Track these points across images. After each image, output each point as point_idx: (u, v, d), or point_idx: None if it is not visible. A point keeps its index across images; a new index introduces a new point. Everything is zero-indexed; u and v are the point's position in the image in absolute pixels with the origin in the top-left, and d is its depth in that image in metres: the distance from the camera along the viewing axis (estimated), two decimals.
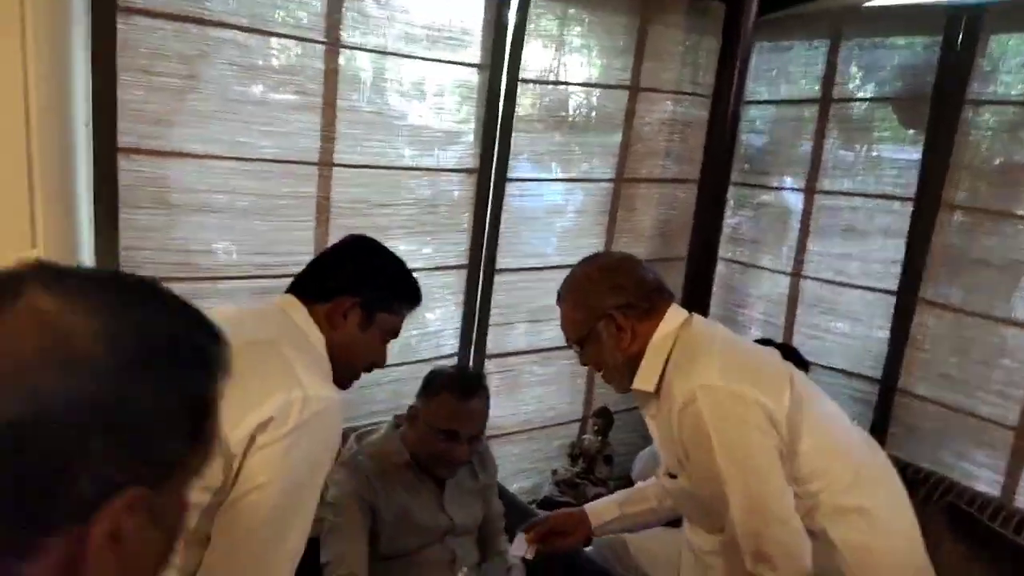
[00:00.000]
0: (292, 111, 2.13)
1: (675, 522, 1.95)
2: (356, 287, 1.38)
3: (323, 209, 2.26)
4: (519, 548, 1.80)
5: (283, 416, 1.16)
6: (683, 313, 1.57)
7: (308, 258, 2.25)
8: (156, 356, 0.57)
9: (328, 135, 2.20)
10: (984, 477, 2.46)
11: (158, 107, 1.94)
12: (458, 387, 1.82)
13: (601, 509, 1.87)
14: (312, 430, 1.19)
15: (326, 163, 2.23)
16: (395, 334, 1.47)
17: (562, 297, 1.60)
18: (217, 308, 1.66)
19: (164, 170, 1.99)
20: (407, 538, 1.80)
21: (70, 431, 0.51)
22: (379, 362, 1.48)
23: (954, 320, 2.48)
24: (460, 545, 1.92)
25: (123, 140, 1.91)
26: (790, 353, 2.24)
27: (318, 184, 2.23)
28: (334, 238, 2.30)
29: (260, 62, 2.07)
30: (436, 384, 1.85)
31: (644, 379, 1.51)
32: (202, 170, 2.04)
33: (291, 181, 2.19)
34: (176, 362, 0.59)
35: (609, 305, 1.51)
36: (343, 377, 1.42)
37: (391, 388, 2.56)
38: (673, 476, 1.56)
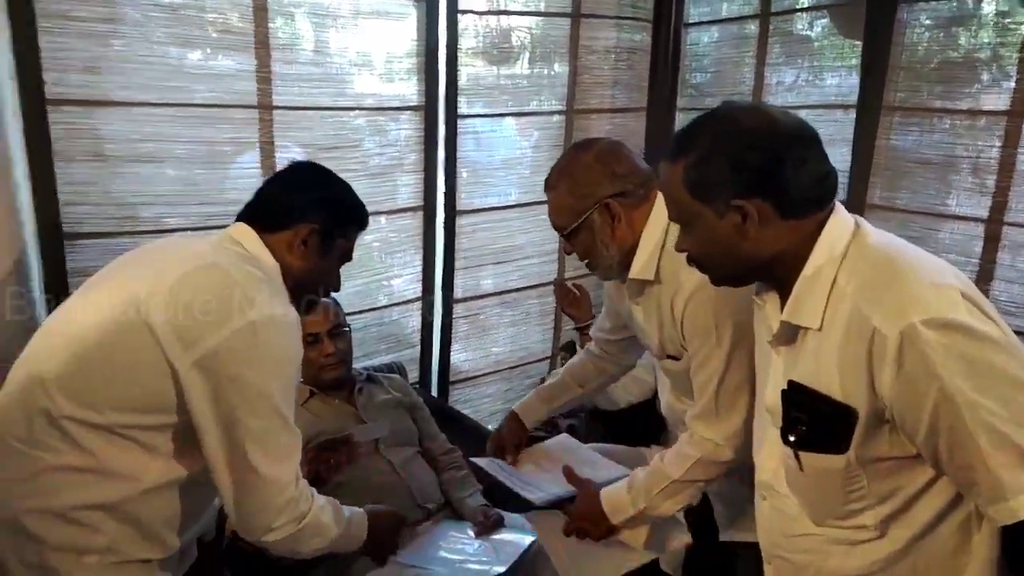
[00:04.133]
0: (223, 52, 2.10)
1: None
2: (314, 214, 1.37)
3: (268, 154, 2.23)
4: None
5: (244, 341, 1.19)
6: None
7: None
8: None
9: (264, 76, 2.17)
10: None
11: (83, 54, 1.90)
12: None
13: (529, 410, 1.96)
14: (276, 351, 1.23)
15: (265, 106, 2.19)
16: (350, 257, 1.48)
17: (553, 184, 1.54)
18: (172, 236, 1.66)
19: (96, 120, 1.96)
20: (338, 456, 1.85)
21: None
22: (336, 286, 1.50)
23: (901, 220, 2.51)
24: (396, 456, 2.00)
25: (51, 91, 1.88)
26: None
27: (259, 128, 2.20)
28: None
29: (183, 0, 2.02)
30: None
31: (644, 269, 1.51)
32: (135, 118, 2.01)
33: (230, 127, 2.15)
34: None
35: (606, 193, 1.48)
36: (303, 302, 1.44)
37: (357, 336, 2.55)
38: (674, 358, 1.59)
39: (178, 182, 2.11)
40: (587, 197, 1.49)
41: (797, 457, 1.10)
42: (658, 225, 1.49)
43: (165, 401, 1.20)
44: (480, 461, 1.84)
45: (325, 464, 1.80)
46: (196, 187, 2.14)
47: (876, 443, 1.03)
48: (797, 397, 1.07)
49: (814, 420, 1.05)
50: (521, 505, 1.89)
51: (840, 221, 1.07)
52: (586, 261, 1.59)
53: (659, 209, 1.50)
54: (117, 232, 2.03)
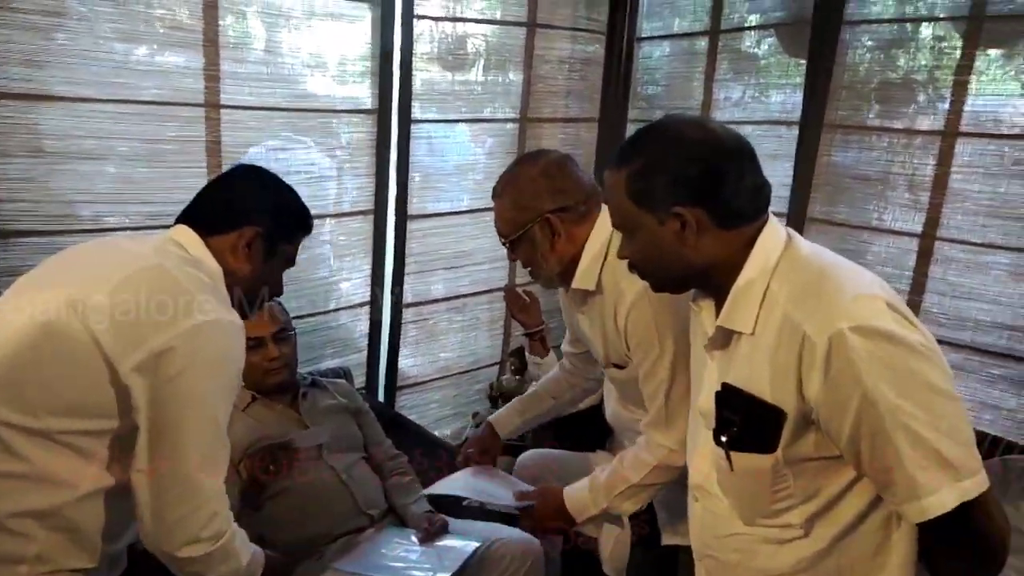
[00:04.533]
0: (170, 48, 2.06)
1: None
2: (258, 217, 1.35)
3: (214, 153, 2.19)
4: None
5: (186, 344, 1.17)
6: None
7: None
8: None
9: (212, 74, 2.13)
10: None
11: (25, 47, 1.84)
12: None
13: (504, 421, 1.99)
14: (217, 355, 1.22)
15: (212, 104, 2.16)
16: (292, 262, 1.47)
17: (499, 193, 1.59)
18: (107, 238, 1.62)
19: (36, 115, 1.90)
20: (277, 462, 1.83)
21: None
22: (279, 290, 1.49)
23: (840, 234, 2.60)
24: (340, 462, 1.98)
25: None
26: None
27: (206, 127, 2.17)
28: None
29: None
30: None
31: (584, 279, 1.55)
32: (77, 114, 1.96)
33: (176, 124, 2.11)
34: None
35: (547, 208, 1.52)
36: (246, 306, 1.42)
37: (303, 340, 2.52)
38: (618, 366, 1.62)
39: (120, 180, 2.06)
40: (528, 210, 1.53)
41: (728, 457, 1.13)
42: (600, 237, 1.53)
43: (104, 405, 1.17)
44: (438, 488, 1.84)
45: (264, 469, 1.77)
46: (138, 186, 2.09)
47: (802, 444, 1.06)
48: (730, 398, 1.11)
49: (745, 421, 1.09)
50: (465, 511, 1.89)
51: (773, 232, 1.12)
52: (528, 269, 1.63)
53: (602, 222, 1.54)
54: (55, 231, 1.96)
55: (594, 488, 1.61)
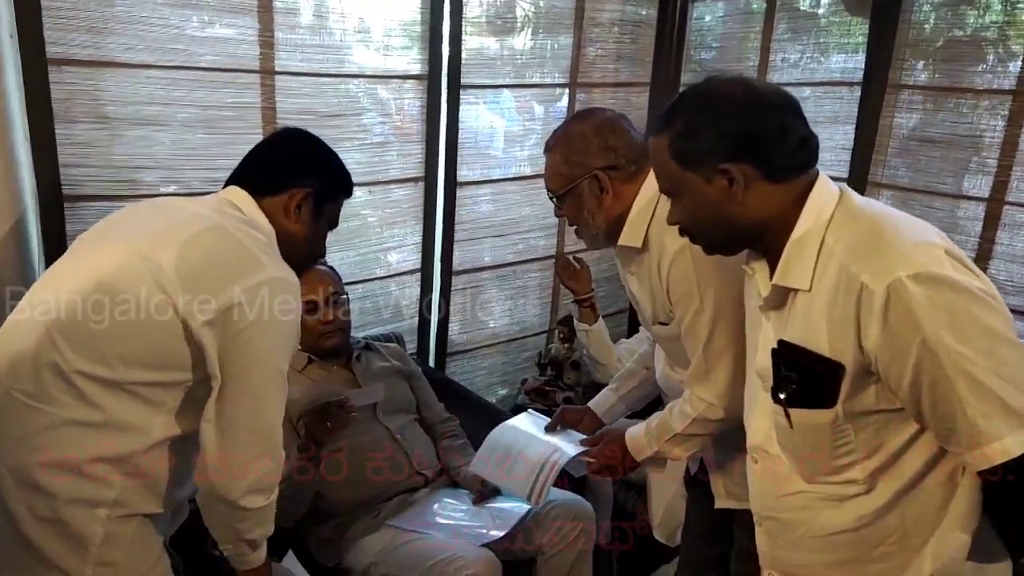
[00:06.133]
0: (225, 15, 2.07)
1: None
2: (307, 179, 1.38)
3: (269, 120, 2.22)
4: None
5: (251, 300, 1.21)
6: None
7: None
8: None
9: (266, 40, 2.15)
10: None
11: (86, 14, 1.88)
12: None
13: (601, 400, 1.96)
14: (279, 310, 1.26)
15: (267, 71, 2.18)
16: (336, 223, 1.50)
17: (550, 148, 1.58)
18: (164, 197, 1.66)
19: (98, 81, 1.94)
20: (334, 419, 1.85)
21: None
22: (323, 252, 1.54)
23: (903, 199, 2.53)
24: (394, 422, 2.03)
25: (52, 51, 1.86)
26: None
27: (261, 93, 2.19)
28: None
29: None
30: None
31: (630, 236, 1.54)
32: (138, 80, 1.99)
33: (232, 91, 2.14)
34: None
35: (596, 165, 1.51)
36: (295, 267, 1.43)
37: (356, 306, 2.56)
38: (664, 324, 1.62)
39: (179, 146, 2.10)
40: (578, 166, 1.52)
41: (787, 415, 1.13)
42: (648, 195, 1.51)
43: (178, 359, 1.22)
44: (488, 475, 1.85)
45: (321, 428, 1.81)
46: (197, 151, 2.13)
47: (863, 397, 1.05)
48: (787, 355, 1.10)
49: (803, 377, 1.08)
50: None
51: (826, 188, 1.11)
52: (574, 228, 1.63)
53: (650, 181, 1.51)
54: (118, 195, 2.02)
55: (648, 432, 1.64)
